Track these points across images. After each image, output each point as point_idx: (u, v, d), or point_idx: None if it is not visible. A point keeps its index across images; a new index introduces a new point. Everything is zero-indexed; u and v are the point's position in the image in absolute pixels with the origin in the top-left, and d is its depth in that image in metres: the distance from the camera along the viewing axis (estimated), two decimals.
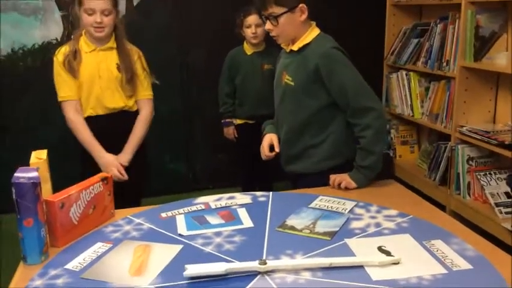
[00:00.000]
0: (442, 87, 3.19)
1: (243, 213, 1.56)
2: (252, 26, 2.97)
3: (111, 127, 2.19)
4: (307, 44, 1.77)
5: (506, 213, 2.67)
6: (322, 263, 1.21)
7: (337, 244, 1.34)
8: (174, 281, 1.18)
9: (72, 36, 2.26)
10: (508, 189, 2.80)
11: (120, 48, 2.20)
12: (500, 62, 2.77)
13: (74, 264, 1.26)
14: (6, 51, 3.36)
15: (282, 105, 1.88)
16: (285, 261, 1.24)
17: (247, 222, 1.50)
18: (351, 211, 1.55)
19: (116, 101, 2.20)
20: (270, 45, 3.10)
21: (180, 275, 1.18)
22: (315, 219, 1.49)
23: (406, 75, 3.51)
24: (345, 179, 1.75)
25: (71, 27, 3.36)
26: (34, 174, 1.27)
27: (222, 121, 3.19)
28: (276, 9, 1.70)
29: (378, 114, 1.73)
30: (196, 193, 2.92)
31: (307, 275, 1.19)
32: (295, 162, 1.89)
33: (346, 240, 1.35)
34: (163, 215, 1.56)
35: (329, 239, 1.37)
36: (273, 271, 1.20)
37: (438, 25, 3.22)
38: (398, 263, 1.22)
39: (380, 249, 1.29)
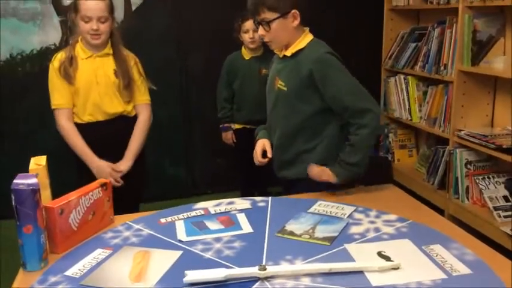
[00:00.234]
0: (440, 91, 3.20)
1: (242, 218, 1.56)
2: (249, 31, 2.98)
3: (111, 132, 2.19)
4: (301, 50, 1.77)
5: (505, 216, 2.67)
6: (321, 268, 1.22)
7: (336, 249, 1.34)
8: (174, 287, 1.17)
9: (70, 42, 2.26)
10: (507, 193, 2.80)
11: (117, 54, 2.21)
12: (498, 66, 2.78)
13: (74, 270, 1.26)
14: (5, 56, 3.36)
15: (274, 110, 1.88)
16: (284, 267, 1.24)
17: (246, 227, 1.50)
18: (350, 216, 1.55)
19: (115, 106, 2.20)
20: (268, 50, 3.11)
21: (180, 281, 1.18)
22: (314, 224, 1.49)
23: (404, 79, 3.52)
24: (325, 171, 1.73)
25: (70, 33, 3.36)
26: (33, 180, 1.27)
27: (221, 126, 3.20)
28: (269, 15, 1.70)
29: (375, 116, 1.73)
30: (195, 198, 2.92)
31: (306, 281, 1.19)
32: (288, 168, 1.88)
33: (346, 246, 1.35)
34: (163, 220, 1.56)
35: (328, 244, 1.37)
36: (272, 277, 1.20)
37: (436, 29, 3.24)
38: (398, 268, 1.23)
39: (380, 254, 1.29)
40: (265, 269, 1.20)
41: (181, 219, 1.57)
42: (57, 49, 3.32)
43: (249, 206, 1.66)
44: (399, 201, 1.74)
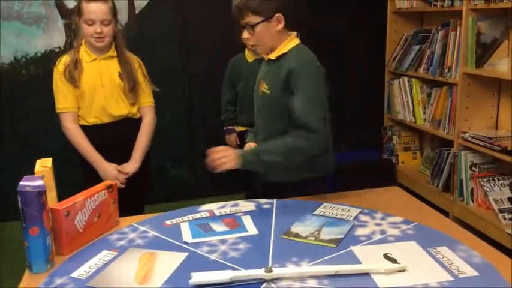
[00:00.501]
0: (444, 93, 3.20)
1: (247, 220, 1.56)
2: None
3: (116, 135, 2.19)
4: (284, 54, 1.76)
5: (510, 219, 2.67)
6: (328, 270, 1.21)
7: (342, 251, 1.34)
8: None
9: (74, 45, 2.27)
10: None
11: (121, 56, 2.21)
12: (502, 69, 2.78)
13: (80, 272, 1.26)
14: (9, 59, 3.37)
15: (259, 113, 1.87)
16: (290, 269, 1.24)
17: (251, 229, 1.50)
18: (355, 218, 1.54)
19: (120, 108, 2.21)
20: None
21: (186, 283, 1.18)
22: (319, 226, 1.49)
23: (408, 81, 3.51)
24: (230, 155, 1.61)
25: (74, 36, 3.37)
26: (39, 182, 1.28)
27: (224, 128, 3.20)
28: (253, 18, 1.70)
29: (318, 140, 1.67)
30: (199, 200, 2.92)
31: (313, 283, 1.18)
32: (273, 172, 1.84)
33: (352, 248, 1.35)
34: (168, 222, 1.56)
35: (334, 246, 1.36)
36: (278, 279, 1.20)
37: (439, 32, 3.23)
38: (404, 270, 1.22)
39: (386, 256, 1.29)
40: (271, 271, 1.20)
41: (187, 221, 1.57)
42: (62, 52, 3.33)
43: (254, 208, 1.66)
44: (404, 203, 1.73)
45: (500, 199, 2.79)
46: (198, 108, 3.73)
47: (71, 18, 3.37)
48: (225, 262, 1.30)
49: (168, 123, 3.50)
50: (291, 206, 1.68)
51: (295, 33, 1.81)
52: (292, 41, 1.78)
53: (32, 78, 3.40)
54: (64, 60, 2.18)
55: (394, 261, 1.26)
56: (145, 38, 3.47)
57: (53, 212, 1.34)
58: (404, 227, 1.47)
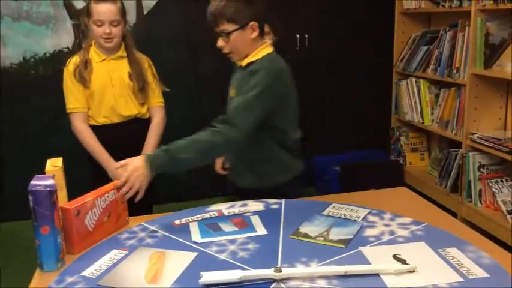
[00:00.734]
0: (452, 94, 3.19)
1: (256, 220, 1.57)
2: None
3: (126, 135, 2.21)
4: (254, 61, 1.75)
5: None
6: (337, 271, 1.21)
7: (351, 252, 1.34)
8: (189, 287, 1.18)
9: (83, 46, 2.28)
10: None
11: (131, 57, 2.23)
12: (511, 69, 2.76)
13: (90, 271, 1.27)
14: (18, 59, 3.39)
15: None
16: (300, 269, 1.24)
17: (260, 229, 1.50)
18: (364, 219, 1.54)
19: (130, 108, 2.22)
20: (279, 54, 3.12)
21: (196, 282, 1.18)
22: (328, 226, 1.49)
23: (416, 82, 3.51)
24: (136, 160, 1.53)
25: (82, 36, 3.38)
26: (50, 182, 1.29)
27: None
28: (227, 26, 1.70)
29: (236, 137, 1.61)
30: (206, 200, 2.94)
31: (322, 283, 1.19)
32: (242, 177, 1.84)
33: (361, 248, 1.35)
34: (177, 222, 1.56)
35: (343, 246, 1.36)
36: (288, 279, 1.20)
37: (448, 32, 3.23)
38: (414, 271, 1.22)
39: (395, 257, 1.29)
40: (280, 271, 1.20)
41: (196, 221, 1.57)
42: (70, 52, 3.35)
43: (262, 208, 1.66)
44: (413, 204, 1.73)
45: (509, 200, 2.78)
46: (206, 109, 3.73)
47: (80, 18, 3.39)
48: (234, 262, 1.30)
49: (176, 123, 3.50)
50: (300, 206, 1.68)
51: (269, 41, 1.80)
52: (264, 50, 1.77)
53: (41, 78, 3.42)
54: (74, 60, 2.19)
55: (403, 262, 1.26)
56: (154, 38, 3.48)
57: (64, 211, 1.35)
58: (413, 227, 1.47)
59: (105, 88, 2.18)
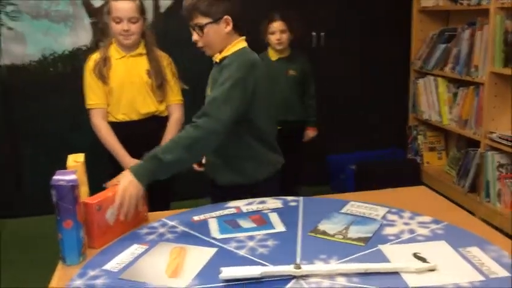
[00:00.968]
0: (470, 92, 3.16)
1: (274, 217, 1.57)
2: (276, 32, 2.99)
3: (144, 131, 2.22)
4: (228, 56, 1.76)
5: None
6: (357, 268, 1.21)
7: (371, 250, 1.33)
8: (210, 283, 1.19)
9: (101, 44, 2.31)
10: None
11: (150, 54, 2.24)
12: None
13: (112, 265, 1.28)
14: (37, 57, 3.43)
15: None
16: (320, 266, 1.24)
17: (279, 226, 1.50)
18: (383, 217, 1.54)
19: (148, 106, 2.24)
20: (295, 52, 3.12)
21: (216, 278, 1.19)
22: (347, 224, 1.49)
23: (434, 80, 3.48)
24: (125, 177, 1.49)
25: (100, 34, 3.42)
26: (73, 177, 1.30)
27: None
28: (201, 20, 1.71)
29: (213, 125, 1.60)
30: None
31: (342, 281, 1.19)
32: (222, 174, 1.83)
33: (380, 247, 1.34)
34: (196, 218, 1.58)
35: (363, 244, 1.36)
36: (307, 275, 1.20)
37: (466, 31, 3.20)
38: (434, 270, 1.21)
39: (415, 255, 1.28)
40: (300, 268, 1.20)
41: (214, 217, 1.58)
42: (88, 50, 3.38)
43: (281, 206, 1.66)
44: (432, 203, 1.72)
45: None
46: None
47: (98, 16, 3.43)
48: (253, 258, 1.30)
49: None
50: (318, 204, 1.68)
51: (243, 37, 1.81)
52: (237, 44, 1.77)
53: (60, 75, 3.46)
54: (94, 57, 2.22)
55: (423, 260, 1.26)
56: (170, 36, 3.49)
57: (86, 206, 1.37)
58: (433, 226, 1.46)
59: (124, 85, 2.20)
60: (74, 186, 1.29)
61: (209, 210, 1.64)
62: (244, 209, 1.64)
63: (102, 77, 2.18)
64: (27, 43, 3.39)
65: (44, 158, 3.45)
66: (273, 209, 1.64)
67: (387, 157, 3.75)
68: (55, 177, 1.30)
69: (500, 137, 2.82)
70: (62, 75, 3.45)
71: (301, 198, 1.71)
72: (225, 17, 1.72)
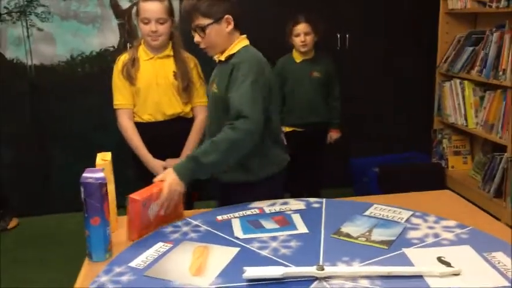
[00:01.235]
0: (498, 96, 3.11)
1: (297, 218, 1.58)
2: (301, 34, 3.00)
3: (169, 132, 2.25)
4: (233, 54, 1.77)
5: None
6: (381, 271, 1.21)
7: (394, 253, 1.33)
8: (233, 282, 1.20)
9: (128, 45, 2.34)
10: None
11: (177, 56, 2.27)
12: None
13: (137, 262, 1.31)
14: (66, 57, 3.50)
15: (213, 114, 1.85)
16: (342, 268, 1.25)
17: (301, 227, 1.51)
18: (407, 220, 1.53)
19: (174, 107, 2.26)
20: (319, 53, 3.12)
21: (239, 277, 1.20)
22: (370, 227, 1.49)
23: (460, 83, 3.43)
24: (169, 175, 1.55)
25: (127, 36, 3.48)
26: (101, 174, 1.33)
27: None
28: (202, 21, 1.71)
29: (250, 126, 1.63)
30: None
31: (365, 283, 1.19)
32: (229, 172, 1.79)
33: (404, 250, 1.34)
34: (219, 218, 1.59)
35: (386, 247, 1.36)
36: (330, 277, 1.21)
37: (494, 33, 3.15)
38: (459, 274, 1.21)
39: (439, 259, 1.27)
40: (323, 269, 1.21)
41: (237, 217, 1.59)
42: (116, 51, 3.44)
43: (303, 207, 1.67)
44: (457, 207, 1.70)
45: None
46: None
47: (125, 18, 3.48)
48: (276, 258, 1.31)
49: None
50: (341, 206, 1.68)
51: (244, 35, 1.82)
52: (241, 42, 1.79)
53: (87, 76, 3.52)
54: (123, 58, 2.26)
55: (448, 264, 1.25)
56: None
57: (133, 202, 1.41)
58: (458, 231, 1.45)
59: (151, 86, 2.23)
60: (102, 184, 1.32)
61: (232, 210, 1.65)
62: (267, 209, 1.65)
63: (130, 77, 2.22)
64: (56, 44, 3.47)
65: (71, 157, 3.52)
66: (296, 210, 1.64)
67: (411, 161, 3.71)
68: (84, 174, 1.33)
69: None
70: (90, 76, 3.52)
71: (324, 200, 1.72)
72: (226, 16, 1.74)
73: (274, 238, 1.44)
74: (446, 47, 3.64)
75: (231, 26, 1.76)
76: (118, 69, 2.24)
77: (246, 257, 1.33)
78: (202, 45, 1.78)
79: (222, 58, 1.79)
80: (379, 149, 3.78)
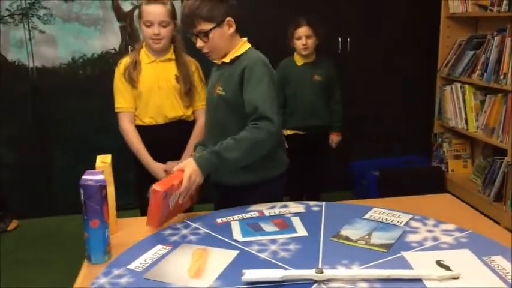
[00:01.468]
0: (498, 100, 3.11)
1: (296, 221, 1.58)
2: (302, 37, 3.00)
3: (170, 135, 2.25)
4: (239, 56, 1.77)
5: None
6: (380, 274, 1.21)
7: (393, 256, 1.33)
8: (232, 285, 1.20)
9: (129, 47, 2.35)
10: None
11: (179, 59, 2.27)
12: None
13: (136, 264, 1.31)
14: (67, 60, 3.51)
15: (215, 116, 1.84)
16: (342, 271, 1.24)
17: (301, 230, 1.51)
18: (406, 224, 1.53)
19: (175, 110, 2.27)
20: (320, 56, 3.13)
21: (237, 280, 1.20)
22: (370, 230, 1.49)
23: (461, 87, 3.44)
24: (189, 166, 1.58)
25: (129, 38, 3.49)
26: (101, 177, 1.34)
27: None
28: (205, 26, 1.71)
29: (272, 129, 1.65)
30: None
31: (364, 286, 1.18)
32: (232, 173, 1.79)
33: (403, 253, 1.34)
34: (219, 220, 1.59)
35: (385, 251, 1.36)
36: (329, 280, 1.21)
37: (495, 37, 3.15)
38: (458, 278, 1.20)
39: (438, 263, 1.27)
40: (322, 272, 1.21)
41: (237, 220, 1.59)
42: (117, 54, 3.45)
43: (303, 210, 1.67)
44: (456, 211, 1.70)
45: None
46: None
47: (127, 20, 3.49)
48: (275, 261, 1.31)
49: None
50: (340, 209, 1.68)
51: (246, 38, 1.83)
52: (245, 45, 1.81)
53: (89, 78, 3.53)
54: (125, 61, 2.26)
55: (447, 268, 1.25)
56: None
57: (154, 193, 1.45)
58: (457, 234, 1.44)
59: (153, 89, 2.23)
60: (101, 186, 1.32)
61: (232, 213, 1.65)
62: (267, 212, 1.65)
63: (132, 81, 2.22)
64: (58, 46, 3.48)
65: (72, 159, 3.52)
66: (296, 213, 1.64)
67: (411, 164, 3.71)
68: (84, 177, 1.33)
69: None
70: (91, 78, 3.53)
71: (323, 203, 1.72)
72: (228, 19, 1.74)
73: (273, 241, 1.44)
74: (447, 51, 3.65)
75: (233, 28, 1.76)
76: (120, 72, 2.24)
77: (245, 259, 1.33)
78: (205, 50, 1.78)
79: (227, 60, 1.79)
80: (379, 152, 3.78)
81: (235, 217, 1.62)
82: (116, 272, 1.28)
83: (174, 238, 1.46)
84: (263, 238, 1.45)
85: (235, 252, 1.36)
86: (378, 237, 1.43)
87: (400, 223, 1.53)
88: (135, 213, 2.02)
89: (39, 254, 3.02)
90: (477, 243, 1.39)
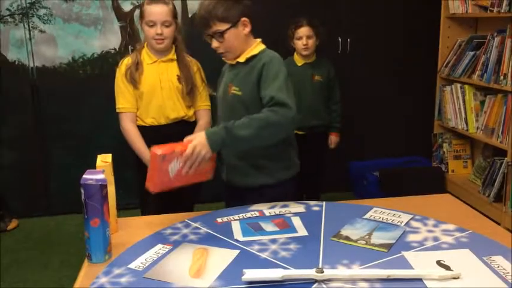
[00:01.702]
0: (498, 101, 3.11)
1: (297, 221, 1.58)
2: (303, 37, 3.00)
3: (171, 136, 2.23)
4: (255, 56, 1.77)
5: None
6: (380, 274, 1.21)
7: (394, 256, 1.33)
8: (232, 284, 1.20)
9: (129, 47, 2.34)
10: None
11: (180, 60, 2.27)
12: None
13: (137, 264, 1.31)
14: (67, 59, 3.51)
15: (230, 117, 1.77)
16: (342, 271, 1.25)
17: (301, 230, 1.51)
18: (407, 224, 1.53)
19: (177, 110, 2.26)
20: (321, 57, 3.13)
21: (238, 279, 1.20)
22: (370, 230, 1.49)
23: (461, 88, 3.44)
24: (198, 137, 1.60)
25: (129, 38, 3.49)
26: (101, 176, 1.34)
27: None
28: (220, 26, 1.72)
29: (290, 115, 1.63)
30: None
31: (364, 286, 1.19)
32: (244, 176, 1.82)
33: (404, 253, 1.34)
34: (219, 220, 1.59)
35: (386, 251, 1.36)
36: (329, 280, 1.21)
37: (495, 38, 3.16)
38: (458, 278, 1.21)
39: (439, 263, 1.28)
40: (322, 272, 1.21)
41: (237, 219, 1.60)
42: (117, 53, 3.45)
43: (303, 210, 1.67)
44: (457, 211, 1.70)
45: None
46: None
47: (127, 20, 3.49)
48: (275, 261, 1.31)
49: None
50: (341, 209, 1.68)
51: (260, 39, 1.83)
52: (260, 45, 1.81)
53: (88, 78, 3.53)
54: (126, 61, 2.25)
55: (447, 268, 1.25)
56: (198, 41, 3.53)
57: (152, 155, 1.48)
58: (458, 234, 1.45)
59: (154, 90, 2.23)
60: (102, 186, 1.32)
61: (232, 212, 1.65)
62: (267, 212, 1.65)
63: (133, 81, 2.21)
64: (58, 46, 3.48)
65: (70, 159, 3.52)
66: (296, 213, 1.64)
67: (411, 165, 3.71)
68: (85, 176, 1.33)
69: None
70: (91, 78, 3.52)
71: (323, 203, 1.72)
72: (243, 19, 1.75)
73: (273, 241, 1.44)
74: (448, 51, 3.65)
75: (248, 29, 1.77)
76: (121, 72, 2.24)
77: (246, 259, 1.33)
78: (220, 50, 1.78)
79: (242, 60, 1.79)
80: (379, 152, 3.78)
81: (236, 217, 1.62)
82: (117, 271, 1.28)
83: (175, 237, 1.47)
84: (263, 238, 1.46)
85: (235, 252, 1.36)
86: (378, 237, 1.43)
87: (401, 223, 1.54)
88: (135, 213, 2.02)
89: (39, 253, 3.02)
90: (477, 243, 1.39)
